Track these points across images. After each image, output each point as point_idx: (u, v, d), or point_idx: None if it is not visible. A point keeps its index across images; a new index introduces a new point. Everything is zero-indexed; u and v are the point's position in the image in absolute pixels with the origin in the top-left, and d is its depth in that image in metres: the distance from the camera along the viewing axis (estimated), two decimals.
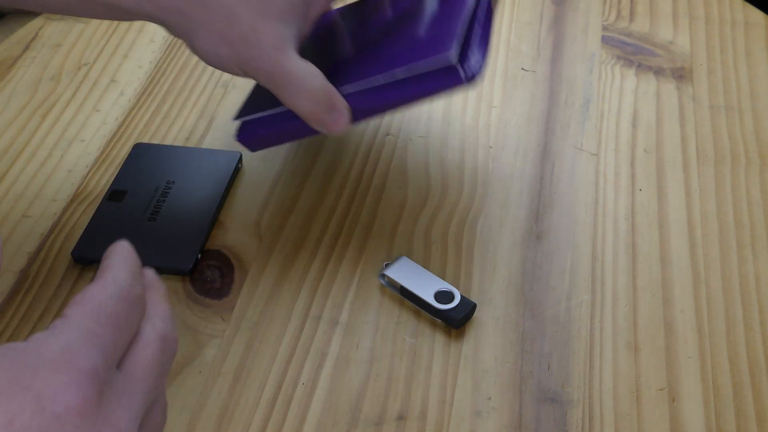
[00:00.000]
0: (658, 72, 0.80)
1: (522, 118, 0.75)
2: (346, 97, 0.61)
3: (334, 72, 0.63)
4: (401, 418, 0.55)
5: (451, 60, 0.56)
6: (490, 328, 0.60)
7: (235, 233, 0.65)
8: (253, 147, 0.65)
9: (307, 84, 0.56)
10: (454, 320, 0.58)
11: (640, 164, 0.71)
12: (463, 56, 0.58)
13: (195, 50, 0.57)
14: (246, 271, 0.63)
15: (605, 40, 0.83)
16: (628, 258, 0.64)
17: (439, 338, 0.59)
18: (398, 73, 0.58)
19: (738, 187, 0.69)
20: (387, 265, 0.61)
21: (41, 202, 0.67)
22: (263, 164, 0.71)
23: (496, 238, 0.65)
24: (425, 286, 0.60)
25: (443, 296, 0.59)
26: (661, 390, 0.56)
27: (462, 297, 0.59)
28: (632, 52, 0.82)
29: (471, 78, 0.57)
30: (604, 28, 0.85)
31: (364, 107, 0.60)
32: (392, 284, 0.61)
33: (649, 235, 0.66)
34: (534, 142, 0.73)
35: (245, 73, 0.56)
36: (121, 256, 0.41)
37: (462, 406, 0.55)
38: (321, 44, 0.70)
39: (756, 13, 0.87)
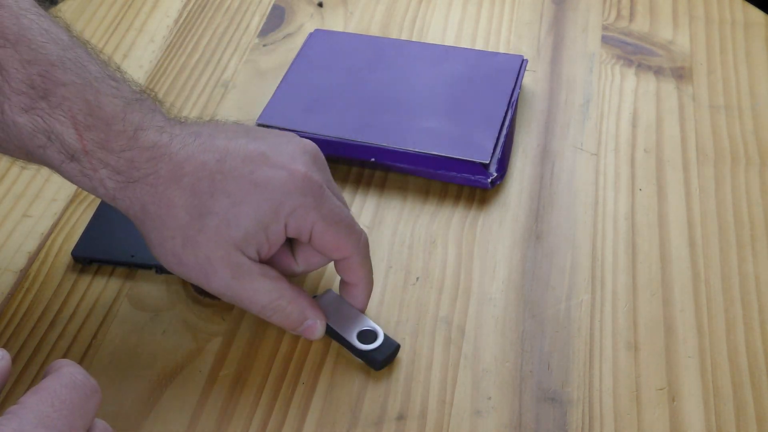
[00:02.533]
0: (658, 72, 0.80)
1: (522, 117, 0.75)
2: (371, 149, 0.69)
3: (360, 120, 0.71)
4: (401, 417, 0.55)
5: (489, 172, 0.68)
6: (490, 328, 0.60)
7: None
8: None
9: (273, 306, 0.54)
10: (376, 362, 0.56)
11: (640, 164, 0.71)
12: (493, 163, 0.68)
13: (151, 247, 0.54)
14: None
15: (605, 40, 0.83)
16: (628, 258, 0.64)
17: (440, 338, 0.59)
18: (433, 154, 0.68)
19: (738, 186, 0.69)
20: (314, 298, 0.58)
21: (41, 201, 0.67)
22: None
23: (496, 237, 0.65)
24: (349, 323, 0.57)
25: (366, 336, 0.57)
26: (661, 390, 0.56)
27: (385, 337, 0.57)
28: (632, 51, 0.82)
29: (493, 183, 0.68)
30: (604, 28, 0.85)
31: (384, 161, 0.69)
32: None
33: (649, 234, 0.66)
34: (534, 142, 0.73)
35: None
36: (70, 361, 0.42)
37: (462, 406, 0.55)
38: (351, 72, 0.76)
39: (756, 13, 0.87)
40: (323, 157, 0.57)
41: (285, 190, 0.53)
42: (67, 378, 0.40)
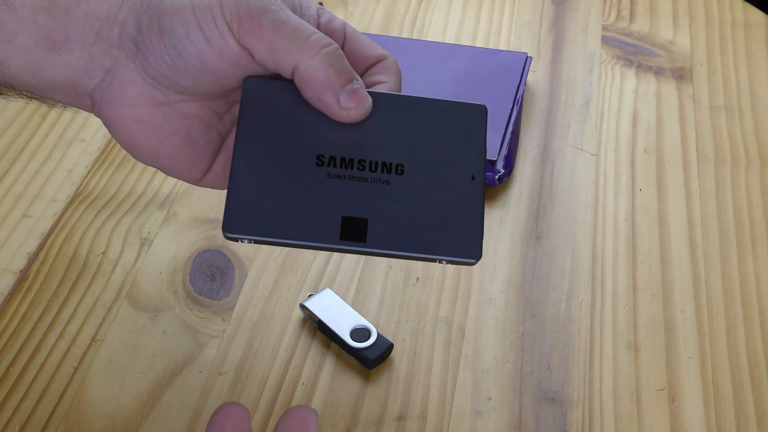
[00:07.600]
0: (658, 72, 0.80)
1: (522, 118, 0.75)
2: None
3: None
4: (401, 418, 0.55)
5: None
6: (490, 328, 0.60)
7: None
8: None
9: (330, 45, 0.45)
10: (368, 360, 0.56)
11: (640, 164, 0.71)
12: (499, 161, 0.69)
13: (170, 56, 0.44)
14: (246, 271, 0.63)
15: (605, 40, 0.83)
16: (628, 258, 0.64)
17: (440, 338, 0.59)
18: None
19: (738, 187, 0.69)
20: (310, 296, 0.59)
21: (41, 202, 0.67)
22: None
23: (496, 238, 0.65)
24: (343, 321, 0.58)
25: (360, 334, 0.57)
26: (661, 390, 0.56)
27: (378, 335, 0.57)
28: (632, 52, 0.82)
29: (500, 180, 0.68)
30: (604, 28, 0.85)
31: None
32: (311, 317, 0.59)
33: (649, 235, 0.66)
34: (534, 142, 0.73)
35: (232, 57, 0.44)
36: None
37: (462, 406, 0.55)
38: None
39: (756, 13, 0.87)
40: None
41: None
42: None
